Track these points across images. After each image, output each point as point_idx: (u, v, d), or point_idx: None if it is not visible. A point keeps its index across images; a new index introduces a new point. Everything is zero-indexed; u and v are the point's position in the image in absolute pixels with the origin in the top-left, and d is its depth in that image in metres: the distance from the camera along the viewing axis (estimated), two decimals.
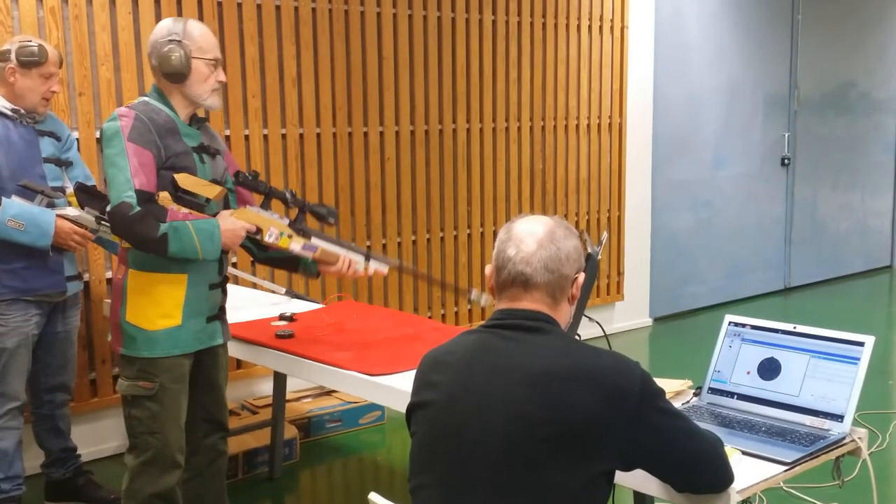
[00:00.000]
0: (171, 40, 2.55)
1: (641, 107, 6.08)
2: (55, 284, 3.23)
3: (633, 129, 6.03)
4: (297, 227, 2.73)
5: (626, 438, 1.59)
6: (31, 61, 3.11)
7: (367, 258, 2.86)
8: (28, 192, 3.09)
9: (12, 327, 3.14)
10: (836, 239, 7.91)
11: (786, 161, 7.30)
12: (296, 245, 2.72)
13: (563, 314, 1.75)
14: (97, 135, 3.53)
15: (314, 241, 2.75)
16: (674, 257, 6.49)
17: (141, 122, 2.48)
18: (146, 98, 2.61)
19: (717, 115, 6.71)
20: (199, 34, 2.60)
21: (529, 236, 1.72)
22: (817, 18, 7.32)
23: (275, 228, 2.68)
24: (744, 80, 6.86)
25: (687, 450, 1.66)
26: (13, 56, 3.11)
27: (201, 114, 2.74)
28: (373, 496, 1.79)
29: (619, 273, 6.05)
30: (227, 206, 2.75)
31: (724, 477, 1.72)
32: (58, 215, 3.11)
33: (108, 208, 2.44)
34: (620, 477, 1.79)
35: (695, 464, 1.68)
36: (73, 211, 3.14)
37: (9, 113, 3.12)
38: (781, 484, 3.10)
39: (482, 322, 1.79)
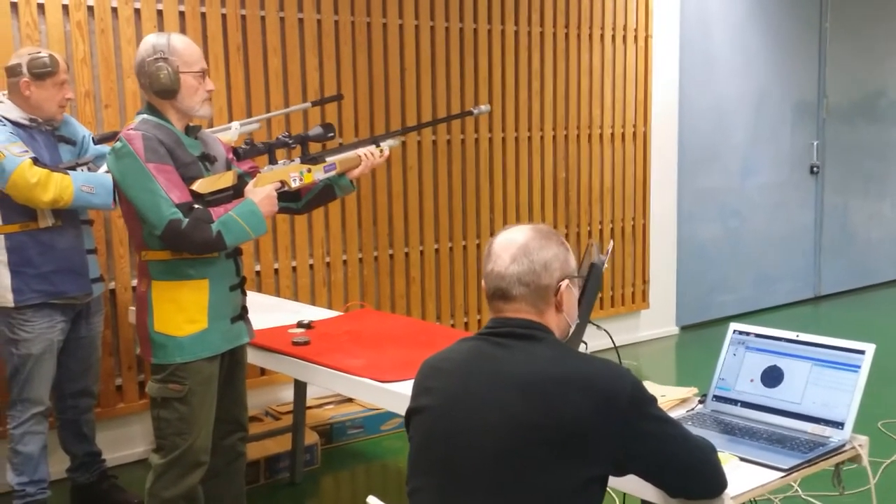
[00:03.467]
0: (157, 58, 2.61)
1: (667, 115, 6.07)
2: (82, 287, 3.33)
3: (659, 138, 6.02)
4: (309, 158, 2.84)
5: (617, 444, 1.61)
6: (44, 72, 3.19)
7: (377, 143, 3.00)
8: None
9: (38, 333, 3.23)
10: (867, 247, 7.81)
11: (815, 169, 7.23)
12: (318, 174, 2.85)
13: (554, 322, 1.77)
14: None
15: (329, 159, 2.87)
16: (701, 266, 6.46)
17: (150, 141, 2.55)
18: (143, 116, 2.67)
19: (745, 124, 6.67)
20: (184, 48, 2.66)
21: (504, 251, 1.76)
22: (846, 26, 7.25)
23: (294, 172, 2.78)
24: (771, 88, 6.82)
25: (678, 456, 1.67)
26: (25, 69, 3.18)
27: (193, 122, 2.80)
28: (371, 500, 1.83)
29: (645, 282, 6.04)
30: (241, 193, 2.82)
31: (716, 483, 1.73)
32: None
33: (159, 233, 2.53)
34: (615, 481, 1.81)
35: (686, 469, 1.69)
36: None
37: (27, 123, 3.21)
38: (798, 490, 3.08)
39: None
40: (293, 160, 2.83)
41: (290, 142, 2.81)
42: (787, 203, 7.10)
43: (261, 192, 2.69)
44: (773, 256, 7.02)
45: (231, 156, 2.86)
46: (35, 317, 3.22)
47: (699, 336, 6.24)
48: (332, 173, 2.89)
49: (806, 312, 7.03)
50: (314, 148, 2.95)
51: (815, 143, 7.22)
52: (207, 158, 2.75)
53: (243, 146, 2.74)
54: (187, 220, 2.53)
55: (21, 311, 3.21)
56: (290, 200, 2.94)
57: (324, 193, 2.99)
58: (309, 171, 2.82)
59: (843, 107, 7.40)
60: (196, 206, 2.57)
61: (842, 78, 7.32)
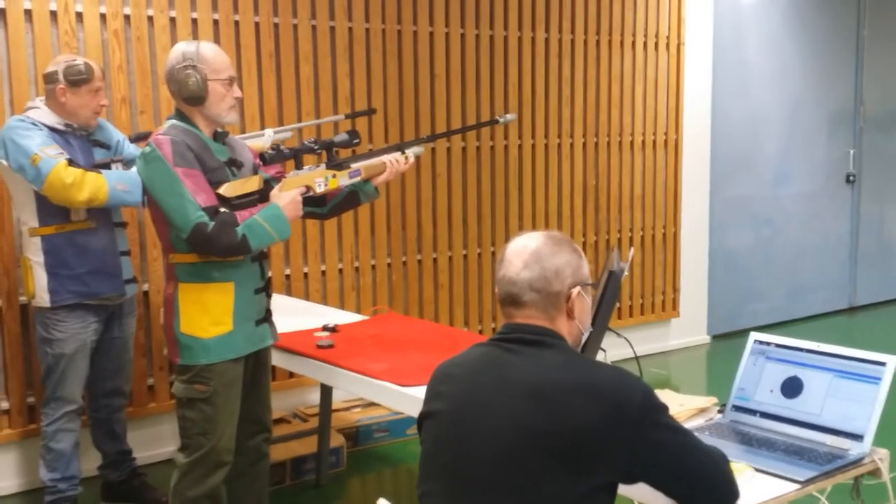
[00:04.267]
0: (186, 65, 2.67)
1: (699, 123, 6.04)
2: (115, 287, 3.40)
3: (691, 146, 5.99)
4: (334, 164, 2.88)
5: (626, 452, 1.61)
6: (79, 79, 3.26)
7: (402, 150, 3.05)
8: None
9: (71, 334, 3.31)
10: None
11: (851, 178, 7.14)
12: (343, 180, 2.90)
13: (566, 329, 1.78)
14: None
15: (353, 166, 2.92)
16: (733, 275, 6.41)
17: (178, 145, 2.61)
18: (172, 121, 2.73)
19: (779, 132, 6.61)
20: (212, 56, 2.71)
21: (516, 256, 1.77)
22: (884, 34, 7.15)
23: (319, 178, 2.83)
24: (806, 96, 6.75)
25: (688, 465, 1.67)
26: (61, 76, 3.25)
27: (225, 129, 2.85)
28: (381, 502, 1.86)
29: (675, 290, 6.01)
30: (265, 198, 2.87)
31: (727, 493, 1.72)
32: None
33: (185, 236, 2.58)
34: (628, 490, 1.81)
35: (697, 479, 1.69)
36: None
37: (63, 128, 3.29)
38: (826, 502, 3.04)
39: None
40: (319, 166, 2.88)
41: (316, 148, 2.86)
42: (822, 212, 7.02)
43: (286, 197, 2.74)
44: (808, 266, 6.94)
45: (258, 161, 2.91)
46: (69, 317, 3.30)
47: (731, 346, 6.19)
48: (357, 179, 2.93)
49: (840, 323, 6.95)
50: (342, 154, 2.99)
51: (851, 152, 7.13)
52: (234, 164, 2.80)
53: (270, 151, 2.79)
54: (213, 223, 2.58)
55: (55, 312, 3.29)
56: (316, 206, 2.99)
57: (349, 199, 3.04)
58: (334, 176, 2.86)
59: (880, 115, 7.30)
60: (222, 209, 2.62)
61: (879, 86, 7.22)
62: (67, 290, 3.28)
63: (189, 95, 2.68)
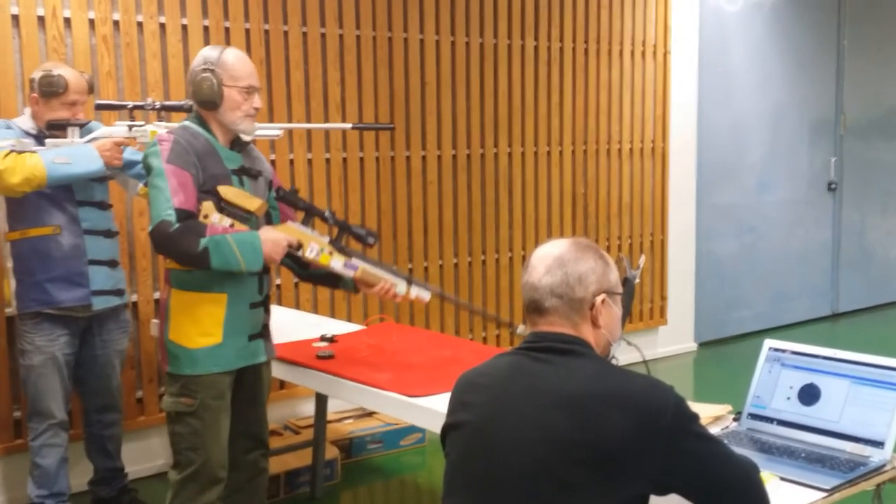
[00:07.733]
0: (204, 69, 2.63)
1: (685, 131, 6.06)
2: (78, 298, 3.24)
3: (677, 154, 6.01)
4: (338, 246, 2.75)
5: (659, 462, 1.59)
6: (50, 91, 3.16)
7: (409, 282, 2.85)
8: (58, 130, 3.17)
9: (37, 346, 3.23)
10: (885, 265, 7.76)
11: (832, 186, 7.20)
12: (336, 262, 2.74)
13: (591, 337, 1.75)
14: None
15: (354, 260, 2.77)
16: (719, 282, 6.43)
17: (179, 145, 2.56)
18: (187, 123, 2.70)
19: (762, 140, 6.66)
20: (233, 62, 2.66)
21: (540, 262, 1.74)
22: (863, 44, 7.24)
23: (315, 244, 2.71)
24: (789, 104, 6.81)
25: (721, 475, 1.64)
26: (36, 85, 3.17)
27: (244, 137, 2.78)
28: None
29: (663, 297, 6.01)
30: (269, 223, 2.83)
31: (759, 502, 1.70)
32: (89, 140, 3.16)
33: (150, 228, 2.52)
34: (656, 501, 1.78)
35: (730, 489, 1.66)
36: (104, 130, 3.20)
37: (35, 133, 3.20)
38: None
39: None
40: (325, 236, 2.75)
41: (330, 221, 2.74)
42: (805, 220, 7.08)
43: (272, 235, 2.63)
44: (791, 273, 6.98)
45: (276, 186, 2.82)
46: (35, 329, 3.22)
47: (717, 353, 6.20)
48: (349, 273, 2.77)
49: (824, 329, 6.99)
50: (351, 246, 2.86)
51: (832, 160, 7.20)
52: (246, 172, 2.74)
53: (288, 191, 2.72)
54: (178, 225, 2.49)
55: (23, 322, 3.23)
56: (297, 262, 2.87)
57: (328, 278, 2.90)
58: (330, 254, 2.73)
59: (860, 124, 7.38)
60: (196, 218, 2.53)
61: (859, 95, 7.30)
62: (30, 298, 3.20)
63: (202, 100, 2.65)
